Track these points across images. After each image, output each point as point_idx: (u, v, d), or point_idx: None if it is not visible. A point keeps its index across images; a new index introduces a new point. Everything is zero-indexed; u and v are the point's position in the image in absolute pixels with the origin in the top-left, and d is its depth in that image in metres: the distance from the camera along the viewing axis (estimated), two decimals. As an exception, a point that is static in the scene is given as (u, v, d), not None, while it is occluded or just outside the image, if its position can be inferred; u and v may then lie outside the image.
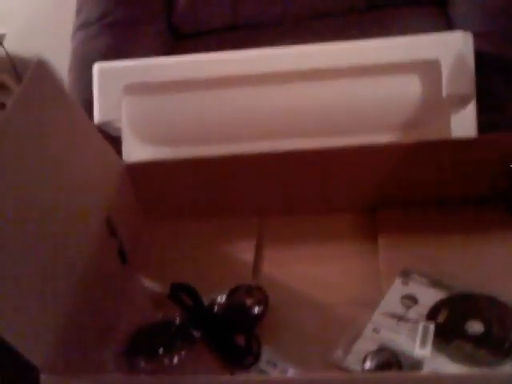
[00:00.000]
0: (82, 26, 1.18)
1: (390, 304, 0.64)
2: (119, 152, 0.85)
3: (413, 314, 0.63)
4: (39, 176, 0.61)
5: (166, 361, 0.60)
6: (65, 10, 1.31)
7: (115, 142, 0.85)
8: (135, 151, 0.86)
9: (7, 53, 1.71)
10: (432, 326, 0.60)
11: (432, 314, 0.62)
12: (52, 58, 1.47)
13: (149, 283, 0.71)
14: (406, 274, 0.67)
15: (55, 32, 1.45)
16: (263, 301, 0.65)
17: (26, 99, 0.62)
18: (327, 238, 0.75)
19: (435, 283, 0.65)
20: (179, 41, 1.23)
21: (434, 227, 0.73)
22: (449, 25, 1.09)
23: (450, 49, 0.79)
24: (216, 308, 0.65)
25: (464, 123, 0.81)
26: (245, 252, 0.74)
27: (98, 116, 0.86)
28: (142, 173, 0.79)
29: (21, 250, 0.56)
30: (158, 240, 0.79)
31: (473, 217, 0.73)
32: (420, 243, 0.71)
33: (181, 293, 0.65)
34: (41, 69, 0.65)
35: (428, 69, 0.80)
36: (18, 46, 1.72)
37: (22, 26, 1.70)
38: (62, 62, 1.21)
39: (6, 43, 1.69)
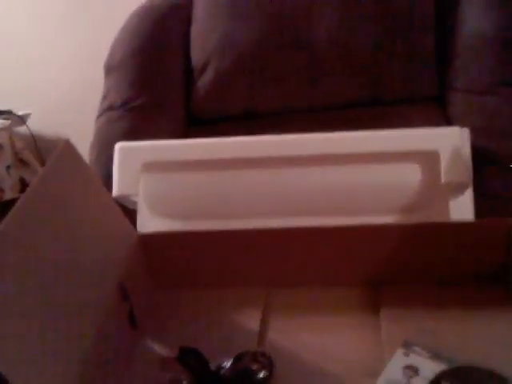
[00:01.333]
0: (106, 110, 1.26)
1: (392, 373, 0.65)
2: (134, 223, 0.89)
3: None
4: (59, 243, 0.66)
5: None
6: (87, 98, 1.41)
7: (131, 214, 0.90)
8: (149, 223, 0.90)
9: (30, 131, 1.80)
10: (433, 397, 0.62)
11: (433, 386, 0.64)
12: (72, 137, 1.55)
13: (157, 347, 0.72)
14: (407, 346, 0.69)
15: (76, 117, 1.55)
16: (268, 366, 0.67)
17: (52, 175, 0.68)
18: (332, 310, 0.77)
19: (436, 355, 0.67)
20: (196, 126, 1.31)
21: (434, 302, 0.76)
22: (447, 121, 1.17)
23: (449, 141, 0.86)
24: (222, 372, 0.67)
25: (462, 208, 0.86)
26: (251, 320, 0.76)
27: (116, 190, 0.92)
28: (154, 243, 0.83)
29: (36, 311, 0.59)
30: (168, 306, 0.81)
31: (472, 293, 0.76)
32: (421, 317, 0.74)
33: (188, 357, 0.67)
34: (67, 147, 0.71)
35: (428, 159, 0.86)
36: (41, 126, 1.82)
37: (46, 108, 1.80)
38: (80, 145, 1.28)
39: (29, 123, 1.79)
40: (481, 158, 0.91)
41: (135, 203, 0.93)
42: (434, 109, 1.23)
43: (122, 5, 1.43)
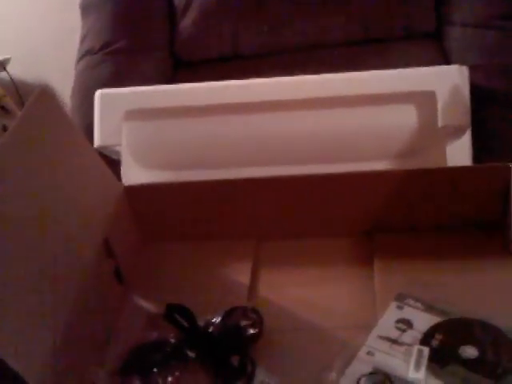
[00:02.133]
0: (85, 54, 1.21)
1: (385, 328, 0.64)
2: (118, 175, 0.86)
3: (407, 338, 0.63)
4: (39, 196, 0.63)
5: (160, 380, 0.60)
6: (68, 37, 1.35)
7: (114, 165, 0.86)
8: (134, 175, 0.87)
9: (11, 77, 1.74)
10: (426, 350, 0.60)
11: (426, 339, 0.62)
12: (54, 83, 1.50)
13: (144, 303, 0.71)
14: (401, 299, 0.67)
15: (58, 59, 1.49)
16: (258, 322, 0.65)
17: (28, 122, 0.64)
18: (323, 262, 0.75)
19: (430, 308, 0.65)
20: (180, 69, 1.26)
21: (429, 252, 0.74)
22: (445, 58, 1.12)
23: (446, 81, 0.82)
24: (211, 329, 0.65)
25: (459, 153, 0.84)
26: (241, 274, 0.74)
27: (98, 140, 0.89)
28: (140, 196, 0.80)
29: (18, 268, 0.56)
30: (155, 261, 0.79)
31: (468, 243, 0.74)
32: (416, 268, 0.72)
33: (176, 313, 0.66)
34: (44, 94, 0.67)
35: (424, 100, 0.82)
36: (22, 70, 1.76)
37: (26, 52, 1.74)
38: (64, 88, 1.24)
39: (9, 68, 1.72)
40: (480, 97, 0.87)
41: (119, 153, 0.89)
42: (431, 45, 1.18)
43: None
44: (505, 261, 0.70)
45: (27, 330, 0.55)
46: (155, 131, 0.88)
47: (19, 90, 1.76)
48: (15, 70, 1.75)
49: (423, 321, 0.64)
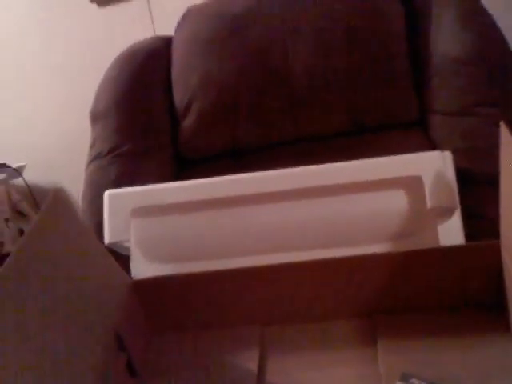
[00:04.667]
0: (94, 158, 1.28)
1: (392, 407, 0.65)
2: (128, 270, 0.90)
3: (414, 416, 0.64)
4: (52, 295, 0.66)
5: None
6: (80, 142, 1.43)
7: (124, 260, 0.90)
8: (143, 268, 0.90)
9: (26, 183, 1.82)
10: (433, 428, 0.61)
11: (432, 417, 0.63)
12: (67, 186, 1.56)
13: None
14: (405, 378, 0.69)
15: (70, 163, 1.57)
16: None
17: (43, 224, 0.68)
18: (328, 345, 0.77)
19: (434, 386, 0.67)
20: (184, 168, 1.33)
21: (432, 331, 0.76)
22: (431, 144, 1.19)
23: (431, 166, 0.87)
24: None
25: (451, 233, 0.87)
26: (249, 362, 0.76)
27: (108, 238, 0.93)
28: (148, 288, 0.83)
29: (31, 365, 0.59)
30: (167, 352, 0.81)
31: (469, 321, 0.76)
32: (419, 347, 0.73)
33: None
34: (58, 196, 0.72)
35: (412, 185, 0.87)
36: (36, 176, 1.84)
37: (40, 159, 1.82)
38: (75, 190, 1.29)
39: (25, 174, 1.80)
40: (466, 179, 0.92)
41: (128, 249, 0.93)
42: (417, 133, 1.24)
43: (106, 54, 1.46)
44: (506, 340, 0.72)
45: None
46: (162, 226, 0.93)
47: (34, 195, 1.83)
48: (30, 176, 1.84)
49: (428, 399, 0.66)
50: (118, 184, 1.08)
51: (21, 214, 1.74)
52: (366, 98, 1.26)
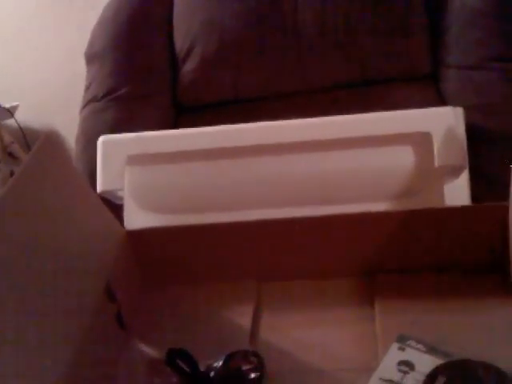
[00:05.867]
0: (89, 102, 1.24)
1: (387, 370, 0.64)
2: (121, 219, 0.87)
3: (410, 380, 0.62)
4: (41, 240, 0.63)
5: (161, 426, 0.60)
6: (75, 85, 1.38)
7: (117, 210, 0.87)
8: (136, 219, 0.88)
9: (18, 124, 1.78)
10: (430, 393, 0.60)
11: (429, 381, 0.62)
12: (61, 130, 1.53)
13: (146, 348, 0.71)
14: (402, 340, 0.67)
15: (65, 106, 1.52)
16: (259, 366, 0.65)
17: (33, 168, 0.65)
18: (325, 304, 0.75)
19: (432, 350, 0.65)
20: (182, 114, 1.28)
21: (430, 293, 0.74)
22: (442, 99, 1.14)
23: (441, 122, 0.83)
24: (212, 373, 0.65)
25: (457, 192, 0.84)
26: (243, 317, 0.74)
27: (100, 185, 0.90)
28: (142, 239, 0.81)
29: (21, 312, 0.57)
30: (157, 305, 0.79)
31: (469, 283, 0.74)
32: (416, 309, 0.72)
33: (177, 358, 0.65)
34: (50, 140, 0.68)
35: (420, 141, 0.83)
36: (29, 117, 1.79)
37: (33, 99, 1.78)
38: (70, 135, 1.26)
39: (17, 115, 1.76)
40: (476, 136, 0.88)
41: (122, 198, 0.90)
42: (427, 87, 1.20)
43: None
44: (505, 301, 0.70)
45: (29, 376, 0.55)
46: (157, 176, 0.90)
47: (26, 137, 1.79)
48: (23, 117, 1.79)
49: (425, 363, 0.64)
50: (113, 130, 1.04)
51: (12, 156, 1.70)
52: (377, 48, 1.20)
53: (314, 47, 1.22)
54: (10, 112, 1.72)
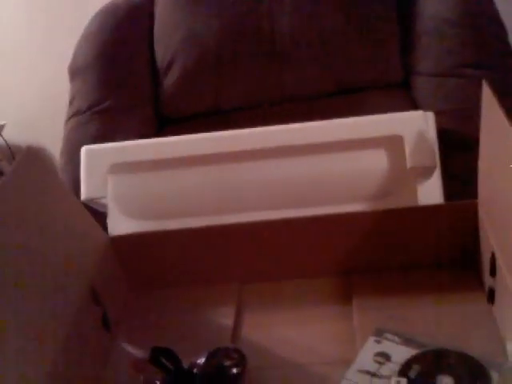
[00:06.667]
0: (73, 115, 1.26)
1: (364, 361, 0.66)
2: (105, 227, 0.89)
3: (385, 370, 0.64)
4: (26, 247, 0.65)
5: (146, 422, 0.61)
6: (62, 104, 1.40)
7: (101, 217, 0.89)
8: (119, 225, 0.90)
9: (6, 142, 1.79)
10: (404, 381, 0.62)
11: (404, 370, 0.64)
12: (48, 145, 1.54)
13: (131, 349, 0.72)
14: (379, 333, 0.69)
15: (52, 122, 1.54)
16: (241, 362, 0.67)
17: (16, 179, 0.67)
18: (304, 302, 0.78)
19: (407, 341, 0.67)
20: (165, 126, 1.31)
21: (405, 289, 0.76)
22: (414, 106, 1.18)
23: (412, 126, 0.86)
24: (195, 370, 0.67)
25: (430, 193, 0.87)
26: (225, 317, 0.76)
27: (84, 193, 0.92)
28: (126, 245, 0.82)
29: (4, 315, 0.58)
30: (142, 307, 0.81)
31: (442, 278, 0.77)
32: (392, 305, 0.74)
33: (161, 356, 0.67)
34: (31, 153, 0.70)
35: (393, 144, 0.86)
36: (16, 135, 1.81)
37: (20, 118, 1.80)
38: (57, 150, 1.27)
39: (4, 133, 1.77)
40: (448, 140, 0.92)
41: (105, 206, 0.92)
42: (400, 95, 1.24)
43: (88, 9, 1.42)
44: (477, 295, 0.73)
45: (11, 372, 0.56)
46: (139, 183, 0.92)
47: (14, 154, 1.81)
48: (10, 135, 1.81)
49: (401, 353, 0.66)
50: (97, 141, 1.05)
51: (1, 173, 1.71)
52: (351, 58, 1.24)
53: (291, 59, 1.26)
54: (-2, 130, 1.74)
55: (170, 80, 1.30)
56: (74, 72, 1.31)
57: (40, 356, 0.61)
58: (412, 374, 0.63)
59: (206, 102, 1.30)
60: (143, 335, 0.75)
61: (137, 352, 0.71)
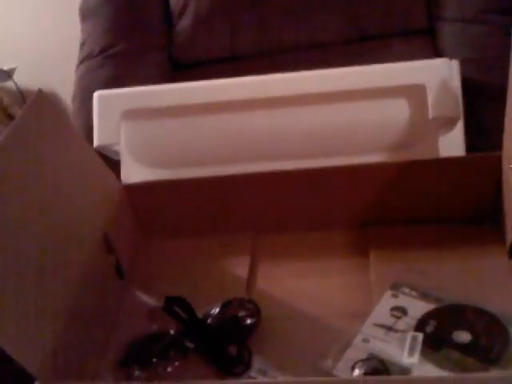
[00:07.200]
0: (85, 59, 1.23)
1: (380, 315, 0.65)
2: (118, 174, 0.88)
3: (402, 325, 0.64)
4: (38, 194, 0.64)
5: (160, 370, 0.61)
6: (74, 46, 1.36)
7: (115, 166, 0.88)
8: (133, 173, 0.88)
9: (17, 86, 1.77)
10: (420, 336, 0.62)
11: (420, 325, 0.63)
12: (60, 91, 1.51)
13: (145, 297, 0.72)
14: (396, 287, 0.68)
15: (63, 67, 1.51)
16: (255, 313, 0.67)
17: (26, 124, 0.65)
18: (320, 254, 0.77)
19: (424, 296, 0.67)
20: (178, 71, 1.27)
21: (423, 243, 0.75)
22: (439, 54, 1.13)
23: (436, 74, 0.83)
24: (209, 320, 0.67)
25: (452, 144, 0.84)
26: (239, 267, 0.75)
27: (97, 140, 0.90)
28: (139, 193, 0.81)
29: (20, 264, 0.58)
30: (155, 256, 0.80)
31: (460, 232, 0.75)
32: (410, 258, 0.73)
33: (175, 306, 0.67)
34: (42, 97, 0.68)
35: (415, 93, 0.83)
36: (28, 79, 1.78)
37: (31, 60, 1.76)
38: (69, 94, 1.25)
39: (15, 77, 1.74)
40: (472, 90, 0.88)
41: (118, 153, 0.91)
42: (423, 42, 1.18)
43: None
44: (496, 250, 0.71)
45: (29, 322, 0.56)
46: (153, 130, 0.90)
47: (25, 99, 1.78)
48: (21, 79, 1.77)
49: (418, 308, 0.65)
50: (109, 87, 1.02)
51: (12, 118, 1.70)
52: (371, 3, 1.19)
53: (308, 4, 1.21)
54: (9, 74, 1.71)
55: (183, 23, 1.25)
56: (85, 13, 1.27)
57: (57, 302, 0.61)
58: (428, 329, 0.63)
59: (221, 46, 1.26)
60: (157, 284, 0.75)
61: (150, 301, 0.71)
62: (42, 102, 0.69)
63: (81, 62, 1.23)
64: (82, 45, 1.26)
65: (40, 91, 0.68)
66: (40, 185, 0.64)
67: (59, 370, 0.58)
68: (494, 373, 0.56)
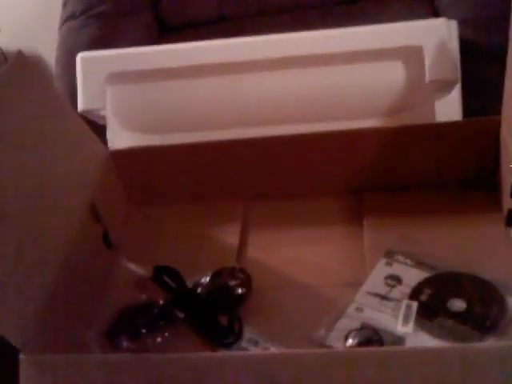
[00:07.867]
0: (67, 19, 1.18)
1: (374, 284, 0.64)
2: (104, 140, 0.85)
3: (396, 293, 0.63)
4: (19, 163, 0.61)
5: (149, 341, 0.60)
6: (58, 4, 1.31)
7: (101, 130, 0.85)
8: (119, 139, 0.86)
9: (1, 49, 1.72)
10: (415, 304, 0.61)
11: (415, 293, 0.62)
12: (44, 53, 1.47)
13: (133, 267, 0.70)
14: (390, 255, 0.67)
15: (48, 28, 1.46)
16: (246, 282, 0.65)
17: (3, 90, 0.61)
18: (312, 222, 0.75)
19: (419, 264, 0.65)
20: (166, 33, 1.23)
21: (418, 210, 0.73)
22: (435, 14, 1.10)
23: (433, 35, 0.80)
24: (199, 289, 0.65)
25: (449, 108, 0.82)
26: (230, 236, 0.74)
27: (81, 104, 0.87)
28: (126, 159, 0.79)
29: (4, 232, 0.55)
30: (144, 225, 0.78)
31: (457, 199, 0.73)
32: (405, 225, 0.71)
33: (164, 275, 0.65)
34: (21, 60, 0.65)
35: (411, 55, 0.80)
36: (12, 41, 1.73)
37: (14, 22, 1.71)
38: (53, 55, 1.21)
39: (-1, 40, 1.70)
40: (469, 51, 0.85)
41: (104, 118, 0.88)
42: (421, 2, 1.15)
43: None
44: (493, 216, 0.70)
45: (12, 292, 0.54)
46: (140, 94, 0.87)
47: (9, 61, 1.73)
48: (4, 42, 1.72)
49: (412, 276, 0.64)
50: (93, 48, 0.98)
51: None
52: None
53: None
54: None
55: (170, -17, 1.21)
56: (67, -29, 1.22)
57: (42, 273, 0.59)
58: (423, 297, 0.62)
59: (208, 8, 1.22)
60: (145, 253, 0.73)
61: (139, 270, 0.69)
62: (22, 64, 0.65)
63: (63, 22, 1.19)
64: (64, 5, 1.21)
65: (20, 52, 0.65)
66: (22, 152, 0.62)
67: (44, 341, 0.56)
68: (490, 343, 0.55)
